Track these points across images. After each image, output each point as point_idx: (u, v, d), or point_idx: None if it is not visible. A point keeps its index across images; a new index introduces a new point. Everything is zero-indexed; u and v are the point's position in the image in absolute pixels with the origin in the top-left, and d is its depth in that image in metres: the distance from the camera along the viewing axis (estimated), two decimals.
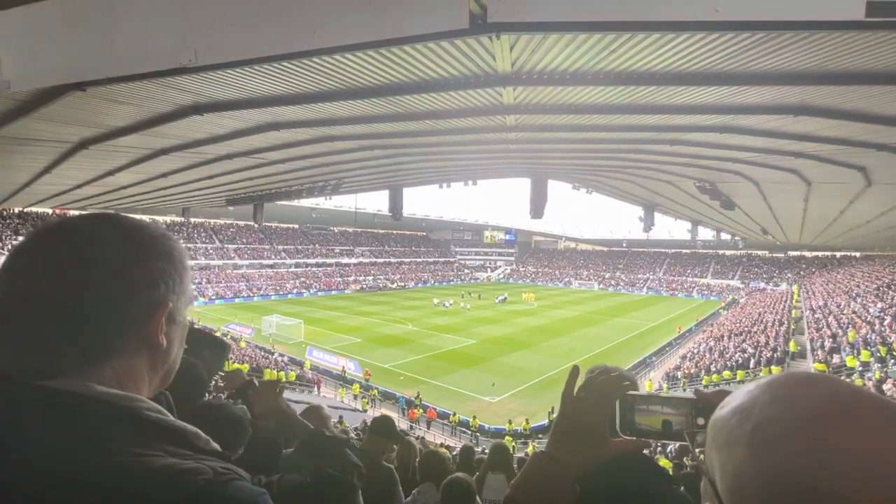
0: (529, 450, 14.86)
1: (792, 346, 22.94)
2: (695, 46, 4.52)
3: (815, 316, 27.34)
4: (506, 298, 51.85)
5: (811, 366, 19.53)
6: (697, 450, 0.63)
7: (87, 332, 0.58)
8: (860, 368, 17.41)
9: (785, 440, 0.40)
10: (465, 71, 5.54)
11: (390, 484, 2.90)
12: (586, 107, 7.15)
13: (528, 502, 0.76)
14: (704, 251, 69.73)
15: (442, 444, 14.12)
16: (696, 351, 26.67)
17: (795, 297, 40.19)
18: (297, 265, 62.74)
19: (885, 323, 20.18)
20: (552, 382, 22.00)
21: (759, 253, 67.26)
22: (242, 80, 5.77)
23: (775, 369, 20.34)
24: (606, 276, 72.91)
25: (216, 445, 0.61)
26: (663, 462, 9.38)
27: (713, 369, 22.11)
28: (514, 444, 15.32)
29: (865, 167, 9.59)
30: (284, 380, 22.71)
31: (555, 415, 0.87)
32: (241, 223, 61.70)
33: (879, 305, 24.02)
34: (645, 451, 1.18)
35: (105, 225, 0.63)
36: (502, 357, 26.98)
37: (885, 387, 14.57)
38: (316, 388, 23.15)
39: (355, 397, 21.67)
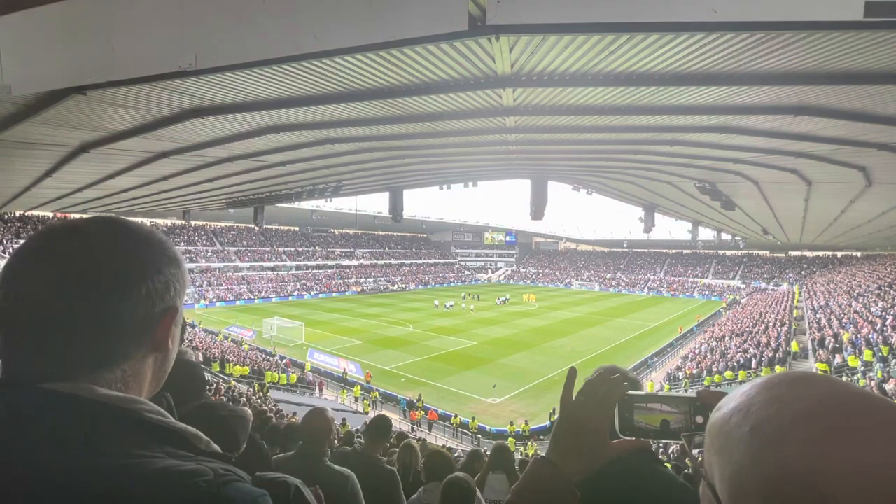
0: (530, 451, 14.83)
1: (794, 347, 22.90)
2: (694, 47, 4.52)
3: (817, 316, 27.29)
4: (507, 300, 51.84)
5: (813, 366, 19.49)
6: (696, 451, 0.63)
7: (103, 336, 0.58)
8: (862, 368, 17.37)
9: (783, 441, 0.40)
10: (464, 73, 5.55)
11: (392, 486, 2.91)
12: (586, 108, 7.15)
13: (529, 501, 0.76)
14: (705, 251, 69.66)
15: (443, 447, 14.10)
16: (697, 351, 26.63)
17: (796, 297, 40.14)
18: (297, 267, 62.77)
19: (887, 322, 20.13)
20: (553, 384, 21.98)
21: (760, 253, 67.20)
22: (242, 83, 5.78)
23: (777, 369, 20.30)
24: (607, 277, 72.87)
25: (216, 447, 0.62)
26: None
27: (714, 370, 22.08)
28: (519, 446, 15.29)
29: (866, 167, 9.58)
30: (286, 382, 22.74)
31: (556, 417, 0.87)
32: (242, 226, 61.76)
33: (881, 305, 23.98)
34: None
35: (117, 229, 0.64)
36: (503, 358, 26.96)
37: (887, 386, 14.53)
38: (318, 391, 23.14)
39: (356, 399, 21.66)
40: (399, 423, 18.76)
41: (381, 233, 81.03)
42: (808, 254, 62.61)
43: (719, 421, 0.47)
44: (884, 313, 22.15)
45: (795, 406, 0.42)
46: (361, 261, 72.18)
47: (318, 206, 46.68)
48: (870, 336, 19.27)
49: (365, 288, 62.91)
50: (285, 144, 9.88)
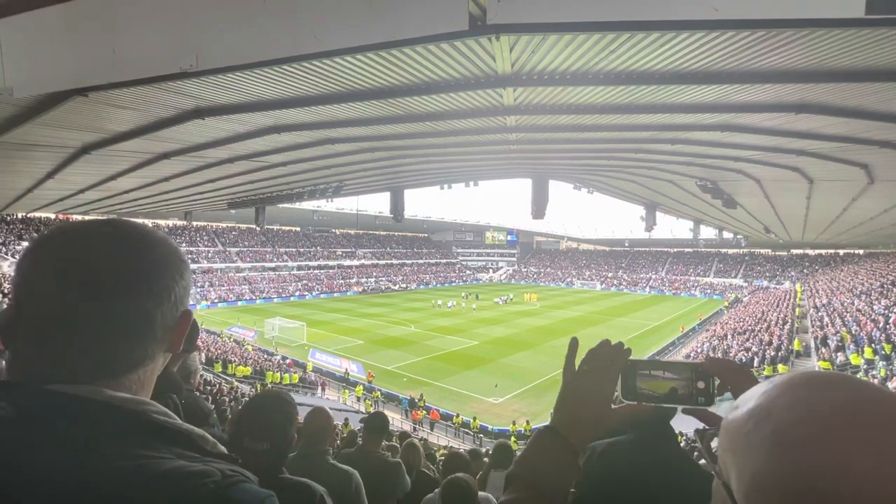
0: None
1: (796, 345, 22.86)
2: (695, 45, 4.52)
3: (819, 314, 27.24)
4: (509, 299, 51.78)
5: (816, 364, 19.46)
6: (713, 443, 0.62)
7: (134, 340, 0.60)
8: (864, 366, 17.33)
9: (807, 446, 0.38)
10: (465, 72, 5.55)
11: (397, 474, 2.98)
12: (587, 107, 7.15)
13: (531, 477, 0.75)
14: (707, 250, 69.56)
15: (445, 446, 14.12)
16: (699, 350, 26.59)
17: (799, 295, 40.06)
18: (299, 268, 62.82)
19: (890, 320, 20.09)
20: (555, 383, 21.90)
21: (762, 251, 67.06)
22: (243, 84, 5.79)
23: (781, 368, 20.27)
24: (609, 276, 72.79)
25: (223, 448, 0.62)
26: None
27: None
28: (521, 446, 15.28)
29: (868, 164, 9.56)
30: (287, 382, 22.78)
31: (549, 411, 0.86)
32: (243, 226, 61.84)
33: (884, 303, 23.92)
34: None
35: (142, 233, 0.64)
36: (505, 358, 26.95)
37: (890, 384, 14.50)
38: (320, 390, 23.18)
39: (358, 399, 21.68)
40: (401, 422, 18.78)
41: (382, 233, 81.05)
42: (811, 252, 62.45)
43: (738, 421, 0.46)
44: (886, 311, 22.10)
45: (820, 410, 0.40)
46: (363, 261, 72.22)
47: (319, 207, 46.72)
48: (872, 334, 19.22)
49: (366, 288, 62.95)
50: (286, 145, 9.89)
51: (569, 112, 7.32)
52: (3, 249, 34.14)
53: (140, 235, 0.63)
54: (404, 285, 67.84)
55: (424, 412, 19.30)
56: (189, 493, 0.51)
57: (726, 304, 48.81)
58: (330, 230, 70.79)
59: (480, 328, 35.78)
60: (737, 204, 16.61)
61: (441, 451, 10.48)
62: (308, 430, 2.44)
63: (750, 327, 28.69)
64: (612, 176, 16.58)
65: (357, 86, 6.01)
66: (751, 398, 0.46)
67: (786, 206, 17.50)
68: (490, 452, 5.32)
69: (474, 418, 18.02)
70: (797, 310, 33.30)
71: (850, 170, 9.97)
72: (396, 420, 18.54)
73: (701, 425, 0.77)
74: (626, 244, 76.08)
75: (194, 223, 53.92)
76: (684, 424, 1.04)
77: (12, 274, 0.62)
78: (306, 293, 56.08)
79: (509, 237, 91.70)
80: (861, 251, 55.62)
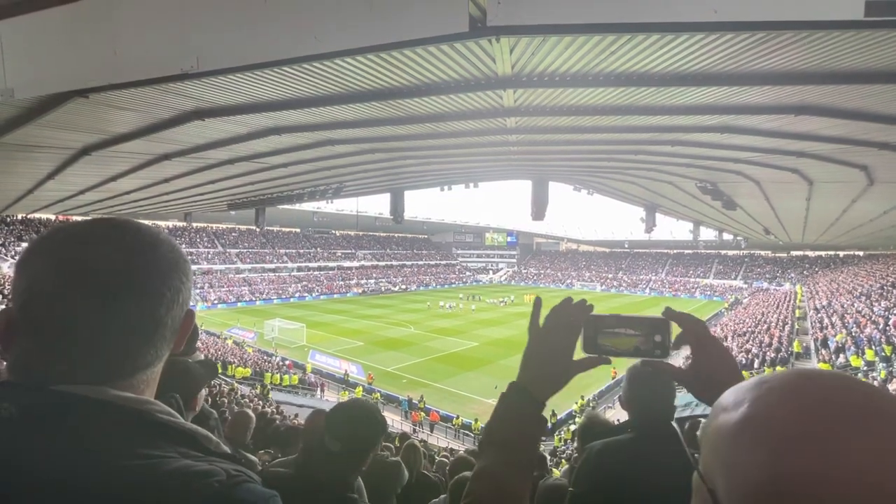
0: None
1: (796, 347, 22.84)
2: (694, 47, 4.52)
3: (819, 316, 27.23)
4: (511, 300, 51.71)
5: (816, 365, 19.44)
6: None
7: (143, 342, 0.60)
8: (865, 368, 17.32)
9: (796, 445, 0.38)
10: (465, 74, 5.55)
11: (397, 473, 3.00)
12: (587, 108, 7.16)
13: (499, 436, 0.77)
14: (707, 251, 69.55)
15: (445, 448, 14.09)
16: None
17: (799, 296, 40.04)
18: (299, 269, 62.82)
19: (890, 322, 20.08)
20: None
21: (762, 253, 67.08)
22: (244, 86, 5.80)
23: (780, 370, 20.23)
24: (609, 278, 72.80)
25: (226, 448, 0.62)
26: None
27: None
28: None
29: (867, 166, 9.57)
30: (287, 384, 22.76)
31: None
32: (243, 227, 61.87)
33: (884, 304, 23.92)
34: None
35: (152, 235, 0.64)
36: (505, 359, 26.95)
37: (890, 386, 14.49)
38: (319, 392, 23.16)
39: None
40: (401, 424, 18.75)
41: (382, 234, 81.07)
42: (811, 253, 62.48)
43: (723, 421, 0.44)
44: (886, 313, 22.10)
45: (808, 409, 0.39)
46: (363, 262, 72.23)
47: (319, 208, 46.80)
48: (872, 335, 19.21)
49: (366, 289, 62.94)
50: (286, 146, 9.90)
51: (569, 113, 7.32)
52: (3, 251, 34.14)
53: (149, 237, 0.64)
54: (404, 286, 67.83)
55: (424, 414, 19.28)
56: (194, 493, 0.52)
57: (726, 305, 48.82)
58: (330, 231, 70.83)
59: (480, 329, 35.76)
60: (736, 205, 16.61)
61: (441, 454, 10.46)
62: (309, 432, 2.44)
63: (750, 329, 28.67)
64: (612, 177, 16.59)
65: (357, 87, 6.02)
66: (737, 400, 0.44)
67: (786, 207, 17.51)
68: None
69: (476, 420, 18.01)
70: (797, 311, 33.29)
71: (850, 171, 9.98)
72: (396, 422, 18.52)
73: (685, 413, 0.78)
74: (626, 245, 76.08)
75: (194, 224, 53.93)
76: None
77: (13, 274, 0.61)
78: (306, 294, 56.05)
79: (509, 238, 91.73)
80: (861, 253, 55.63)
